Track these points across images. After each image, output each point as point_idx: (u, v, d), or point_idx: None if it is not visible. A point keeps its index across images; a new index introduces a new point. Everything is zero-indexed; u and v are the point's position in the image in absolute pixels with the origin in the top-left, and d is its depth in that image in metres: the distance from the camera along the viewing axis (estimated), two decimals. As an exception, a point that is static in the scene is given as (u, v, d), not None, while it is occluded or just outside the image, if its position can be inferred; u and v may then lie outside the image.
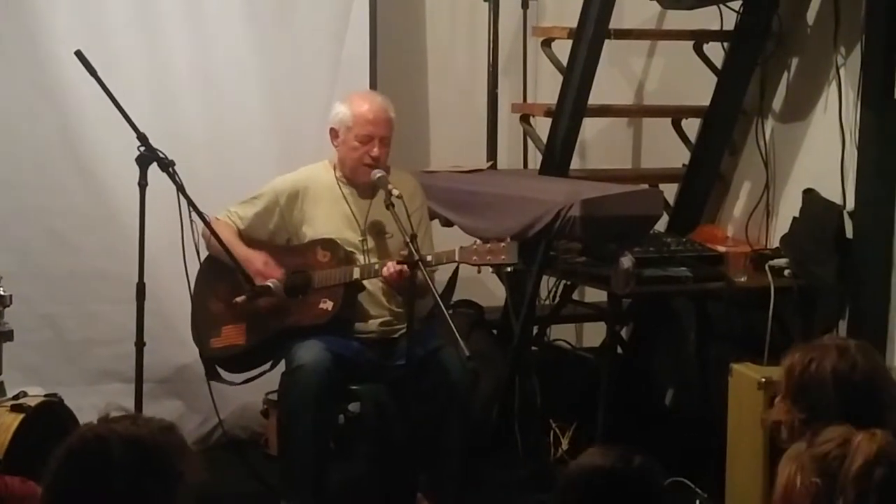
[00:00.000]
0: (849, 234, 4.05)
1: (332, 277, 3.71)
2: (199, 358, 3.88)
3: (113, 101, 3.48)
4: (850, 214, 4.06)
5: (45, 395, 3.53)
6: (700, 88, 4.61)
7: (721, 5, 4.40)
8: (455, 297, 4.64)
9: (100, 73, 3.49)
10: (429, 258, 3.57)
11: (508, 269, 4.37)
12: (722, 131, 4.58)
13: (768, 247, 4.34)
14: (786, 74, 4.45)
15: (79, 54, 3.49)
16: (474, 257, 3.54)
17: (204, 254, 3.76)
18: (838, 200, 4.09)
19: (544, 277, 4.43)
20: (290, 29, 4.62)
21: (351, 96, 3.90)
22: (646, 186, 4.53)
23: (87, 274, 4.38)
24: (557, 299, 4.62)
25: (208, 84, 4.52)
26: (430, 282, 3.43)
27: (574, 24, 4.40)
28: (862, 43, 4.00)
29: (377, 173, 3.72)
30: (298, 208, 3.84)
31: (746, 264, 4.23)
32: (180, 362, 4.34)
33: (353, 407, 4.09)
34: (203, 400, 3.99)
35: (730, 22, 4.47)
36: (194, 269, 3.74)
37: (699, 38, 4.64)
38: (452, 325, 3.32)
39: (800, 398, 2.49)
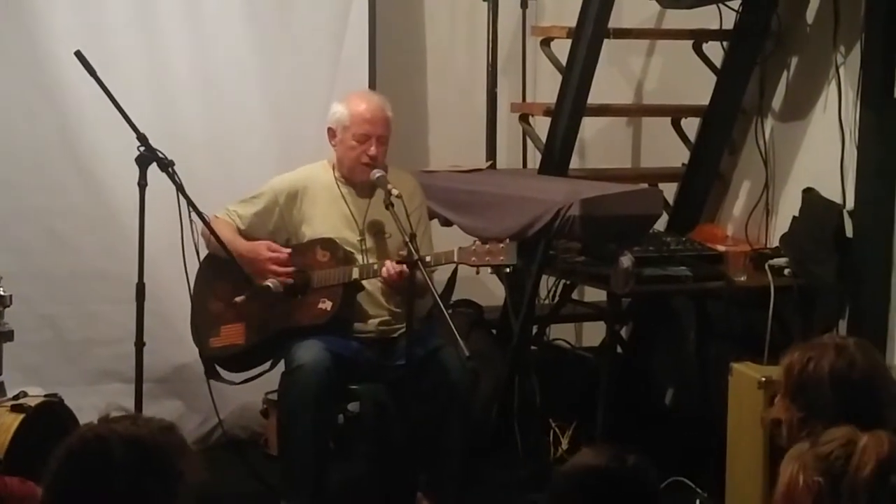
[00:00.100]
0: (849, 233, 4.05)
1: (331, 277, 3.71)
2: (198, 358, 3.87)
3: (112, 102, 3.47)
4: (850, 213, 4.06)
5: (46, 396, 3.53)
6: (699, 88, 4.61)
7: (720, 4, 4.40)
8: (454, 297, 4.65)
9: (99, 73, 3.48)
10: (428, 258, 3.56)
11: (507, 269, 4.37)
12: (721, 130, 4.58)
13: (768, 246, 4.35)
14: (785, 73, 4.45)
15: (78, 54, 3.49)
16: (473, 258, 3.53)
17: (203, 253, 3.76)
18: (838, 199, 4.09)
19: (544, 277, 4.43)
20: (290, 29, 4.62)
21: (349, 96, 3.90)
22: (645, 186, 4.53)
23: (87, 274, 4.38)
24: (557, 299, 4.62)
25: (208, 84, 4.52)
26: (429, 281, 3.43)
27: (573, 23, 4.40)
28: (861, 42, 4.00)
29: (376, 173, 3.72)
30: (297, 208, 3.84)
31: (746, 263, 4.23)
32: (180, 362, 4.34)
33: (353, 407, 4.09)
34: (203, 400, 3.99)
35: (729, 21, 4.47)
36: (194, 268, 3.75)
37: (698, 38, 4.64)
38: (452, 324, 3.32)
39: (798, 397, 2.49)
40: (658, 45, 5.00)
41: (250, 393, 4.21)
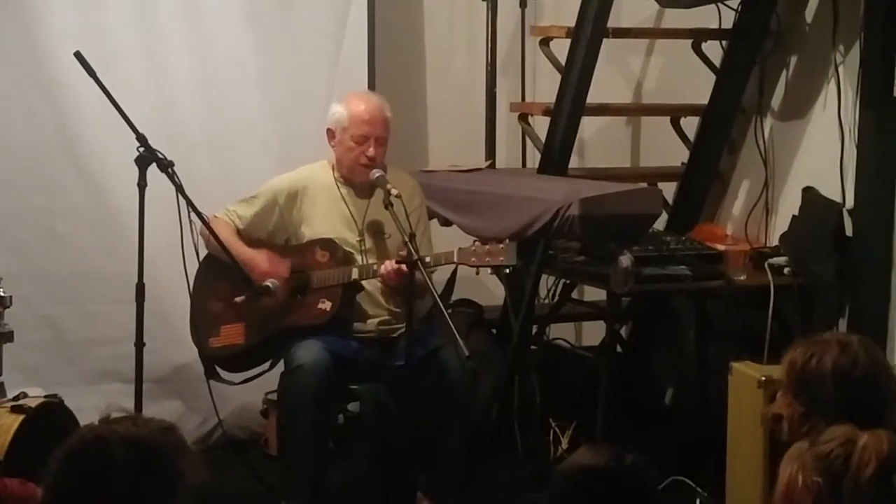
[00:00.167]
0: (848, 232, 4.05)
1: (330, 277, 3.71)
2: (198, 358, 3.87)
3: (112, 102, 3.47)
4: (850, 212, 4.06)
5: (46, 396, 3.52)
6: (699, 87, 4.61)
7: (719, 4, 4.40)
8: (454, 297, 4.65)
9: (98, 73, 3.48)
10: (427, 259, 3.56)
11: (507, 270, 4.37)
12: (721, 130, 4.58)
13: (768, 245, 4.35)
14: (785, 73, 4.45)
15: (78, 55, 3.49)
16: (473, 258, 3.53)
17: (203, 254, 3.76)
18: (838, 198, 4.09)
19: (543, 276, 4.43)
20: (289, 29, 4.62)
21: (348, 96, 3.90)
22: (645, 185, 4.53)
23: (87, 274, 4.38)
24: (556, 298, 4.62)
25: (207, 84, 4.52)
26: (428, 281, 3.43)
27: (572, 23, 4.40)
28: (861, 41, 4.00)
29: (376, 173, 3.72)
30: (297, 208, 3.84)
31: (746, 263, 4.23)
32: (180, 362, 4.34)
33: (353, 407, 4.09)
34: (203, 400, 3.99)
35: (728, 20, 4.47)
36: (193, 268, 3.75)
37: (698, 37, 4.64)
38: (451, 324, 3.32)
39: (800, 392, 2.50)
40: (657, 44, 5.00)
41: (250, 393, 4.21)
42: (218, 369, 3.87)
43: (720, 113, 4.55)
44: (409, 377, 3.51)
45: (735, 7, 4.41)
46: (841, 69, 4.13)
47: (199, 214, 3.53)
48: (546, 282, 4.60)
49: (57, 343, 4.36)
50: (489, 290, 4.86)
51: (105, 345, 4.35)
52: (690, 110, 4.70)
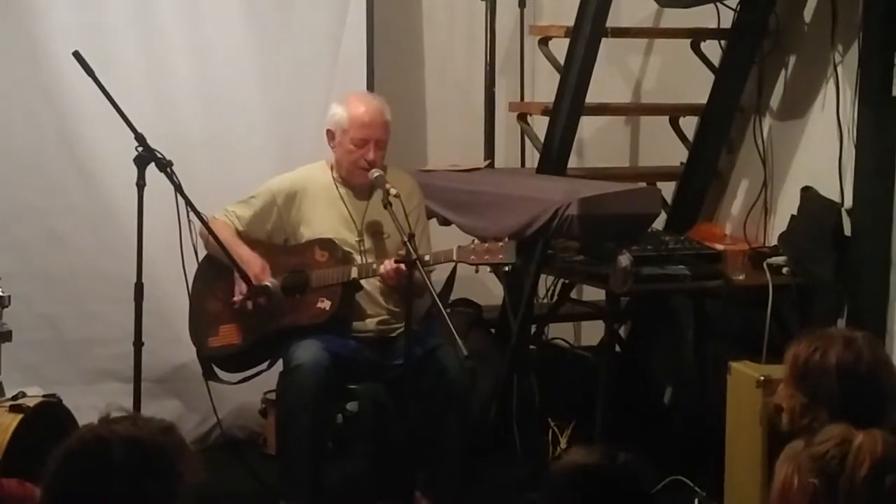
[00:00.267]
0: (847, 231, 4.06)
1: (329, 277, 3.71)
2: (196, 357, 3.87)
3: (111, 101, 3.47)
4: (849, 212, 4.06)
5: (44, 396, 3.52)
6: (697, 86, 4.61)
7: (718, 3, 4.40)
8: (453, 296, 4.65)
9: (97, 73, 3.48)
10: (427, 257, 3.57)
11: (506, 268, 4.37)
12: (719, 129, 4.58)
13: (766, 245, 4.35)
14: (783, 72, 4.45)
15: (77, 55, 3.49)
16: (472, 256, 3.53)
17: (202, 253, 3.76)
18: (836, 198, 4.09)
19: (542, 276, 4.43)
20: (288, 29, 4.62)
21: (348, 98, 3.90)
22: (643, 185, 4.53)
23: (86, 274, 4.38)
24: (555, 298, 4.62)
25: (206, 84, 4.51)
26: (427, 281, 3.43)
27: (571, 22, 4.40)
28: (859, 40, 4.01)
29: (375, 172, 3.72)
30: (296, 208, 3.84)
31: (744, 262, 4.23)
32: (178, 362, 4.34)
33: (352, 406, 4.09)
34: (201, 399, 3.99)
35: (727, 20, 4.47)
36: (192, 268, 3.74)
37: (696, 37, 4.64)
38: (450, 323, 3.32)
39: (802, 384, 2.51)
40: (656, 44, 5.00)
41: (249, 393, 4.21)
42: (216, 369, 3.87)
43: (719, 112, 4.55)
44: (407, 376, 3.51)
45: (734, 7, 4.41)
46: (840, 69, 4.13)
47: (197, 214, 3.53)
48: (545, 281, 4.61)
49: (56, 342, 4.36)
50: (488, 290, 4.86)
51: (104, 344, 4.34)
52: (689, 110, 4.70)
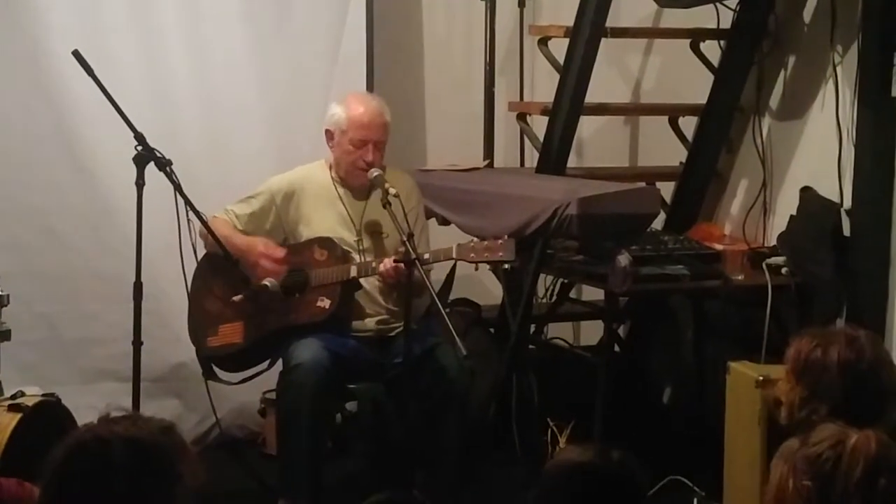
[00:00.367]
0: (846, 231, 4.06)
1: (329, 276, 3.71)
2: (196, 357, 3.87)
3: (110, 100, 3.47)
4: (848, 212, 4.06)
5: (43, 395, 3.52)
6: (697, 86, 4.61)
7: (717, 3, 4.40)
8: (452, 296, 4.65)
9: (97, 72, 3.48)
10: (426, 255, 3.57)
11: (506, 266, 4.37)
12: (719, 129, 4.58)
13: (766, 245, 4.35)
14: (782, 72, 4.45)
15: (76, 54, 3.49)
16: (472, 254, 3.54)
17: (201, 253, 3.76)
18: (835, 198, 4.09)
19: (541, 276, 4.43)
20: (288, 29, 4.62)
21: (347, 98, 3.89)
22: (643, 184, 4.53)
23: (85, 273, 4.38)
24: (554, 298, 4.62)
25: (206, 84, 4.51)
26: (426, 280, 3.43)
27: (570, 22, 4.40)
28: (859, 40, 4.01)
29: (374, 172, 3.72)
30: (295, 208, 3.84)
31: (744, 262, 4.23)
32: (177, 361, 4.34)
33: (351, 405, 4.09)
34: (200, 399, 3.99)
35: (726, 20, 4.47)
36: (191, 268, 3.74)
37: (696, 37, 4.64)
38: (449, 323, 3.32)
39: (803, 378, 2.52)
40: (655, 44, 5.00)
41: (248, 392, 4.21)
42: (216, 369, 3.87)
43: (718, 113, 4.56)
44: (406, 376, 3.51)
45: (733, 7, 4.41)
46: (839, 69, 4.13)
47: (197, 213, 3.53)
48: (544, 281, 4.61)
49: (54, 342, 4.36)
50: (487, 290, 4.86)
51: (103, 344, 4.34)
52: (689, 110, 4.70)
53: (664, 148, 4.85)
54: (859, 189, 4.02)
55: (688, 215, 4.62)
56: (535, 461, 4.17)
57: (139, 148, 3.50)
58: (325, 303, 3.69)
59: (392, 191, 3.59)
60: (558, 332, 4.95)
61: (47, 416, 3.41)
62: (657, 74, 5.03)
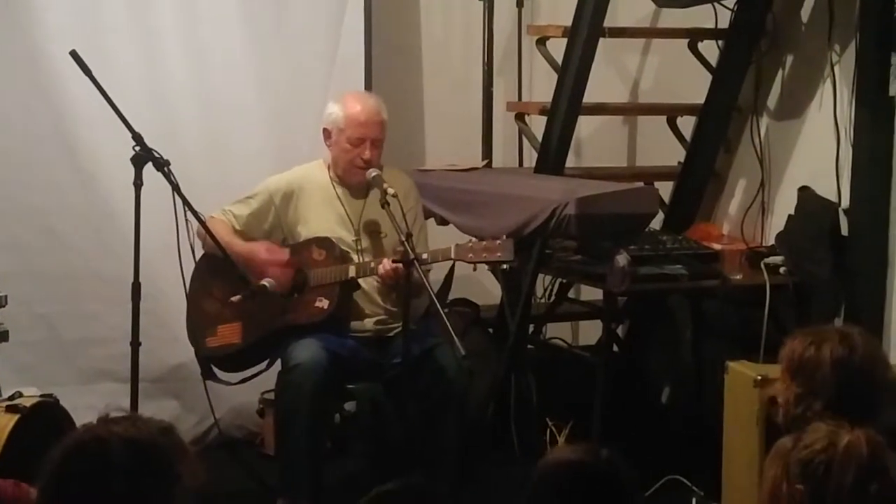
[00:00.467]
0: (844, 231, 4.06)
1: (327, 276, 3.71)
2: (194, 357, 3.87)
3: (108, 101, 3.47)
4: (846, 212, 4.06)
5: (41, 396, 3.51)
6: (695, 86, 4.62)
7: (715, 3, 4.41)
8: (451, 296, 4.65)
9: (95, 72, 3.48)
10: (425, 256, 3.57)
11: (504, 266, 4.37)
12: (717, 129, 4.59)
13: (764, 244, 4.35)
14: (780, 72, 4.45)
15: (74, 54, 3.49)
16: (470, 255, 3.54)
17: (199, 253, 3.75)
18: (833, 198, 4.10)
19: (540, 276, 4.43)
20: (286, 29, 4.61)
21: (344, 97, 3.90)
22: (641, 184, 4.53)
23: (83, 274, 4.37)
24: (553, 297, 4.62)
25: (204, 85, 4.51)
26: (425, 280, 3.43)
27: (569, 22, 4.41)
28: (856, 40, 4.01)
29: (372, 172, 3.72)
30: (293, 208, 3.84)
31: (742, 262, 4.23)
32: (176, 362, 4.34)
33: (350, 406, 4.09)
34: (199, 399, 3.99)
35: (724, 20, 4.48)
36: (190, 268, 3.74)
37: (694, 36, 4.64)
38: (448, 323, 3.32)
39: (797, 376, 2.53)
40: (653, 43, 5.00)
41: (246, 392, 4.21)
42: (214, 369, 3.87)
43: (716, 112, 4.56)
44: (405, 376, 3.51)
45: (731, 6, 4.42)
46: (836, 68, 4.14)
47: (195, 214, 3.53)
48: (543, 281, 4.61)
49: (53, 342, 4.35)
50: (486, 290, 4.86)
51: (101, 344, 4.34)
52: (687, 110, 4.70)
53: (662, 148, 4.85)
54: (857, 188, 4.02)
55: (686, 215, 4.62)
56: (534, 461, 4.15)
57: (137, 148, 3.49)
58: (323, 303, 3.69)
59: (390, 191, 3.59)
60: (557, 331, 4.95)
61: (45, 417, 3.40)
62: (655, 74, 5.03)
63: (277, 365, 3.74)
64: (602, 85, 4.69)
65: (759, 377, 3.32)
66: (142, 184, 3.49)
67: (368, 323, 3.79)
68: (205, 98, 4.51)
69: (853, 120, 4.03)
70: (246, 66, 4.55)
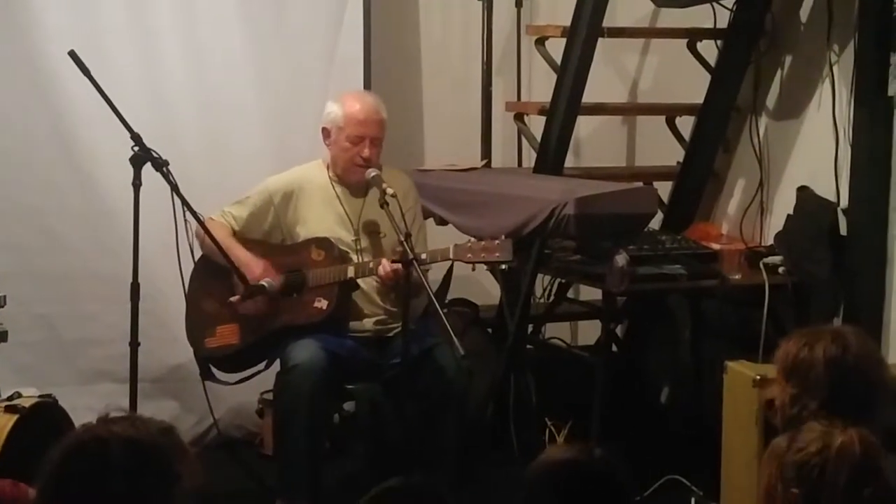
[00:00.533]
0: (843, 230, 4.06)
1: (326, 276, 3.71)
2: (193, 357, 3.87)
3: (106, 101, 3.47)
4: (844, 211, 4.06)
5: (40, 396, 3.51)
6: (694, 86, 4.62)
7: (714, 3, 4.41)
8: (450, 296, 4.65)
9: (93, 73, 3.48)
10: (424, 256, 3.57)
11: (503, 266, 4.37)
12: (716, 129, 4.59)
13: (763, 244, 4.35)
14: (779, 72, 4.45)
15: (72, 54, 3.49)
16: (469, 255, 3.54)
17: (198, 254, 3.75)
18: (832, 197, 4.10)
19: (539, 276, 4.43)
20: (285, 29, 4.61)
21: (343, 96, 3.90)
22: (640, 184, 4.54)
23: (82, 274, 4.37)
24: (552, 297, 4.62)
25: (203, 85, 4.51)
26: (424, 280, 3.43)
27: (568, 22, 4.41)
28: (855, 40, 4.01)
29: (371, 172, 3.72)
30: (292, 208, 3.84)
31: (741, 261, 4.23)
32: (175, 362, 4.34)
33: (349, 406, 4.09)
34: (198, 400, 3.98)
35: (723, 20, 4.48)
36: (189, 268, 3.74)
37: (692, 36, 4.64)
38: (447, 323, 3.32)
39: (791, 377, 2.54)
40: (652, 43, 5.00)
41: (245, 393, 4.21)
42: (213, 370, 3.87)
43: (715, 112, 4.56)
44: (404, 376, 3.51)
45: (730, 6, 4.42)
46: (835, 68, 4.14)
47: (194, 214, 3.53)
48: (542, 281, 4.61)
49: (52, 343, 4.35)
50: (485, 290, 4.86)
51: (100, 345, 4.34)
52: (685, 110, 4.70)
53: (661, 148, 4.85)
54: (856, 188, 4.02)
55: (685, 215, 4.62)
56: (534, 461, 4.17)
57: (136, 148, 3.49)
58: (322, 303, 3.69)
59: (389, 191, 3.59)
60: (556, 332, 4.95)
61: (44, 418, 3.41)
62: (654, 74, 5.03)
63: (276, 365, 3.74)
64: (601, 85, 4.69)
65: (759, 377, 3.32)
66: (140, 184, 3.49)
67: (367, 323, 3.79)
68: (204, 98, 4.51)
69: (852, 120, 4.03)
70: (245, 67, 4.55)
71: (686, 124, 4.72)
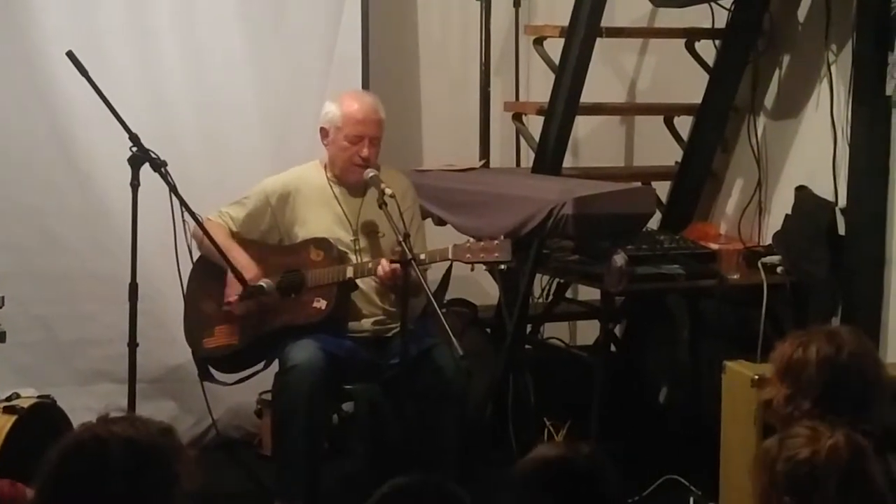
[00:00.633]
0: (841, 230, 4.06)
1: (325, 276, 3.71)
2: (191, 358, 3.87)
3: (104, 101, 3.47)
4: (843, 211, 4.07)
5: (38, 397, 3.52)
6: (692, 86, 4.62)
7: (712, 3, 4.41)
8: (448, 296, 4.65)
9: (92, 73, 3.48)
10: (422, 256, 3.57)
11: (502, 266, 4.37)
12: (714, 129, 4.59)
13: (761, 244, 4.35)
14: (777, 72, 4.46)
15: (70, 55, 3.49)
16: (468, 255, 3.54)
17: (196, 254, 3.75)
18: (830, 197, 4.10)
19: (537, 276, 4.43)
20: (283, 29, 4.61)
21: (341, 96, 3.90)
22: (638, 184, 4.53)
23: (80, 274, 4.37)
24: (551, 297, 4.62)
25: (201, 85, 4.51)
26: (422, 280, 3.43)
27: (566, 22, 4.41)
28: (853, 40, 4.01)
29: (370, 172, 3.72)
30: (290, 209, 3.84)
31: (739, 261, 4.23)
32: (173, 363, 4.34)
33: (347, 406, 4.09)
34: (196, 400, 3.98)
35: (721, 20, 4.48)
36: (187, 269, 3.74)
37: (691, 36, 4.64)
38: (446, 323, 3.32)
39: (786, 377, 2.55)
40: (651, 43, 5.00)
41: (244, 393, 4.21)
42: (212, 370, 3.87)
43: (713, 112, 4.56)
44: (403, 376, 3.51)
45: (728, 6, 4.42)
46: (833, 68, 4.14)
47: (192, 214, 3.53)
48: (540, 281, 4.61)
49: (50, 343, 4.35)
50: (484, 290, 4.86)
51: (98, 345, 4.34)
52: (684, 109, 4.70)
53: (659, 148, 4.85)
54: (854, 188, 4.03)
55: (683, 215, 4.62)
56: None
57: (134, 149, 3.49)
58: (321, 304, 3.69)
59: (388, 191, 3.59)
60: (554, 331, 4.95)
61: (43, 418, 3.41)
62: (652, 74, 5.04)
63: (275, 366, 3.74)
64: (599, 85, 4.69)
65: (757, 377, 3.32)
66: (139, 184, 3.49)
67: (366, 323, 3.79)
68: (203, 98, 4.51)
69: (850, 119, 4.03)
70: (244, 67, 4.55)
71: (684, 124, 4.72)
